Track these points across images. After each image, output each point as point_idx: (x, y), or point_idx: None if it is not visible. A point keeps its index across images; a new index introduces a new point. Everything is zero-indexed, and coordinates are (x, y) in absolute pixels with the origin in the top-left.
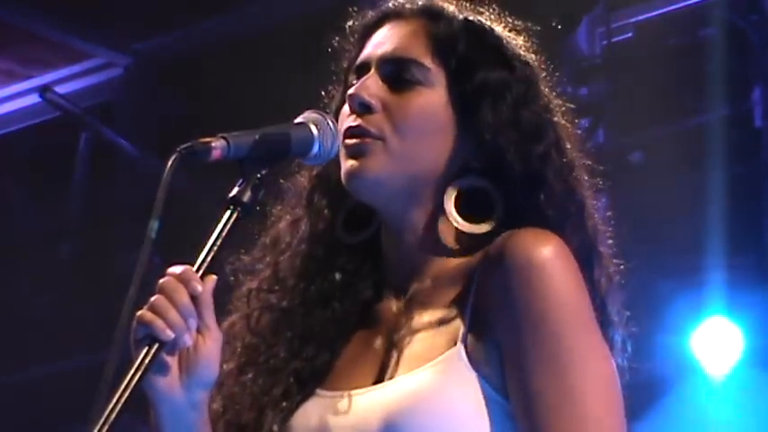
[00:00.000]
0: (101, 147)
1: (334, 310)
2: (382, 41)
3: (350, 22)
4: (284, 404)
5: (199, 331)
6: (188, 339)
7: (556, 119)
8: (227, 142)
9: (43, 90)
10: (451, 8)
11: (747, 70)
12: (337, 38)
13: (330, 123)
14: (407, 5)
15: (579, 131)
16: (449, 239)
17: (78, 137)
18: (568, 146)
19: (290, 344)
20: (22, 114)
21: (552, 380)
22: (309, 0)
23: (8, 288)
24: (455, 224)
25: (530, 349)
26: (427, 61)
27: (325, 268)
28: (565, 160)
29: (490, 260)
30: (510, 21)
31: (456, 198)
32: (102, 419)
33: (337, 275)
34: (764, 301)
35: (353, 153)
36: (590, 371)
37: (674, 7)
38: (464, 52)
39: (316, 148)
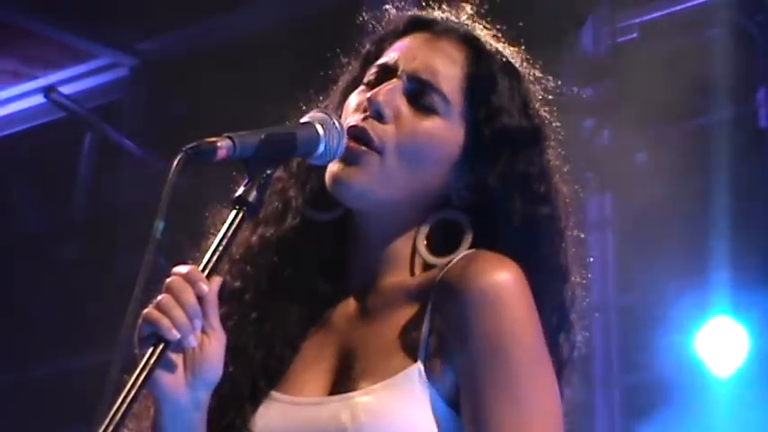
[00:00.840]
0: (105, 147)
1: (301, 307)
2: (416, 54)
3: (388, 5)
4: (247, 400)
5: (203, 331)
6: (193, 340)
7: (561, 187)
8: (233, 142)
9: (48, 90)
10: (491, 43)
11: (752, 71)
12: (371, 13)
13: (336, 123)
14: (453, 23)
15: (575, 198)
16: (414, 260)
17: (83, 137)
18: (563, 215)
19: (254, 326)
20: (26, 115)
21: (505, 411)
22: (312, 1)
23: (11, 288)
24: (423, 257)
25: (485, 377)
26: (455, 99)
27: (293, 254)
28: (557, 227)
29: (447, 282)
30: (532, 64)
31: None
32: (108, 419)
33: (304, 265)
34: None
35: (348, 157)
36: (541, 407)
37: (679, 7)
38: (495, 104)
39: (321, 148)
